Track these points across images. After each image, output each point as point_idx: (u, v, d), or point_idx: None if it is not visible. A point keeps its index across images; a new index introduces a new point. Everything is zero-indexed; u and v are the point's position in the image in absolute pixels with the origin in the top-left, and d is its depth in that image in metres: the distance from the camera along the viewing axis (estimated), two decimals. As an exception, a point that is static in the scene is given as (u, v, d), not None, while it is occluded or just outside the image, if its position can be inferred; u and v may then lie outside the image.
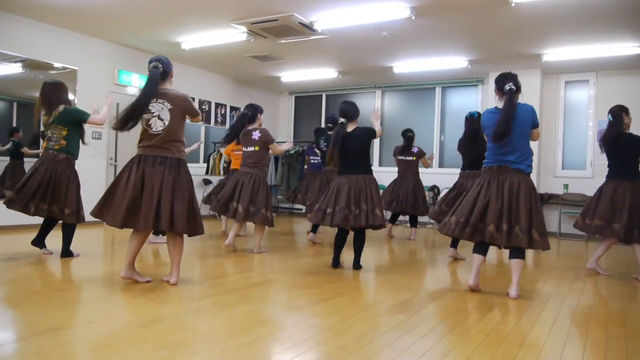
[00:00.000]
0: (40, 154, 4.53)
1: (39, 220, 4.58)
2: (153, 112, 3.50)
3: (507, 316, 3.17)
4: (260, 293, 3.56)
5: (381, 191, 6.98)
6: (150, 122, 3.51)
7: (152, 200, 3.41)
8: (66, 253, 4.50)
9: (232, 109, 9.87)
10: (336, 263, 4.55)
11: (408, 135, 6.79)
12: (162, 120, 3.50)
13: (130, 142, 7.52)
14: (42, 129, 4.67)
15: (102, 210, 3.55)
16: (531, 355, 2.44)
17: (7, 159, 6.78)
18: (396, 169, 7.02)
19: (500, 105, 3.60)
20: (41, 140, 4.70)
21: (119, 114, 3.50)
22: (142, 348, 2.37)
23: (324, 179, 6.34)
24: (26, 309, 2.95)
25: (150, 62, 3.55)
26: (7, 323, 2.66)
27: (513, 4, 5.05)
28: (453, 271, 4.76)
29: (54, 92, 4.42)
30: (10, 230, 6.14)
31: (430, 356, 2.37)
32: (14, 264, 4.21)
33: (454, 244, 5.24)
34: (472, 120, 5.08)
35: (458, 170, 5.38)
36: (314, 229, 6.22)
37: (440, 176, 8.81)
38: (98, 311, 2.96)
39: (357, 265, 4.49)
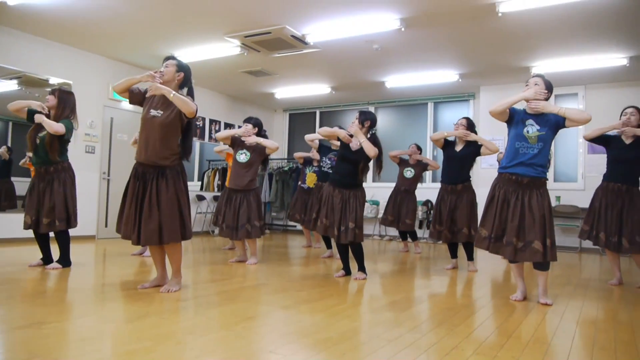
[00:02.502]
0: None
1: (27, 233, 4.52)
2: None
3: (496, 314, 3.16)
4: (248, 295, 3.53)
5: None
6: None
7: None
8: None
9: (227, 125, 9.92)
10: (347, 270, 4.50)
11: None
12: None
13: (123, 156, 7.57)
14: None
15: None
16: (518, 345, 2.42)
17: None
18: (390, 184, 7.02)
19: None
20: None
21: None
22: (124, 340, 2.35)
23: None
24: (11, 306, 2.93)
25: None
26: (-10, 319, 2.63)
27: (500, 14, 5.14)
28: (446, 278, 4.73)
29: None
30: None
31: (417, 347, 2.35)
32: (0, 272, 4.18)
33: (455, 255, 5.27)
34: None
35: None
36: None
37: (434, 191, 8.79)
38: (83, 309, 2.94)
39: (361, 269, 4.40)
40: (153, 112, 3.41)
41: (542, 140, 3.41)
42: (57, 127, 4.20)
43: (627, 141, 4.34)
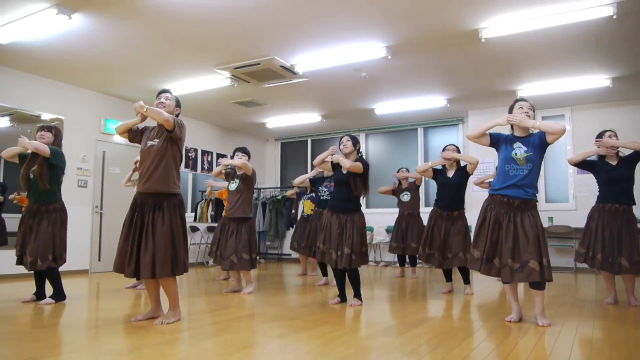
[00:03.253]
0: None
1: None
2: None
3: (492, 336, 3.15)
4: (243, 324, 3.51)
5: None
6: None
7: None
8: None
9: (219, 156, 9.96)
10: (342, 297, 4.48)
11: None
12: None
13: (116, 190, 7.57)
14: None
15: None
16: (514, 366, 2.42)
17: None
18: (383, 209, 7.05)
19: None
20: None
21: None
22: (118, 373, 2.33)
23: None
24: (4, 343, 2.89)
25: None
26: (-19, 357, 2.59)
27: (483, 40, 5.27)
28: (442, 302, 4.72)
29: None
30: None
31: (413, 371, 2.34)
32: (-7, 308, 4.13)
33: (450, 279, 5.29)
34: None
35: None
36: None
37: (424, 215, 8.81)
38: (76, 343, 2.91)
39: (357, 296, 4.39)
40: (150, 143, 3.50)
41: (530, 161, 3.48)
42: (38, 145, 4.21)
43: (613, 162, 4.41)
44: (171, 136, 3.45)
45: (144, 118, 3.46)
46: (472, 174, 5.09)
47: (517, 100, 3.67)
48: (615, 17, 4.70)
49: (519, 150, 3.50)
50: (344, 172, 4.35)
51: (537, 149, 3.48)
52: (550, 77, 6.81)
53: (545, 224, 8.05)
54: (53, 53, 5.96)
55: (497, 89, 7.35)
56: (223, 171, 5.31)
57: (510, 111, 3.64)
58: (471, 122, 8.77)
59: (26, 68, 6.54)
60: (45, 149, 4.21)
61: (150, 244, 3.33)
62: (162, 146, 3.45)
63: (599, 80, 6.77)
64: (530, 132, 3.55)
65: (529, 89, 7.19)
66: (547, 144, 3.48)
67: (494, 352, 2.70)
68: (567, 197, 8.21)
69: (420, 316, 3.92)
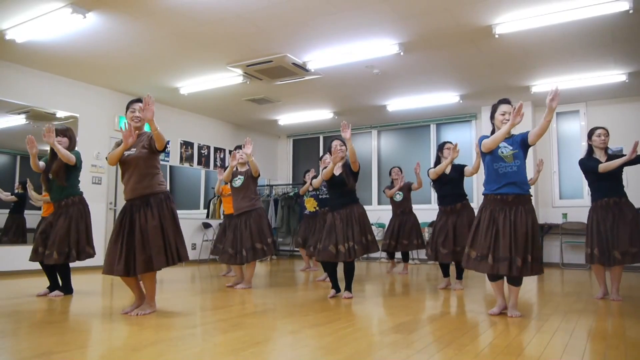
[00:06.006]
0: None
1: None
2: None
3: (505, 332, 3.14)
4: (255, 320, 3.53)
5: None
6: None
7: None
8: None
9: (231, 152, 10.00)
10: (337, 289, 4.62)
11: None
12: None
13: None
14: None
15: None
16: (527, 363, 2.41)
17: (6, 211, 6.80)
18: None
19: None
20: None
21: None
22: (133, 367, 2.36)
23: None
24: (18, 338, 2.94)
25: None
26: (-1, 351, 2.64)
27: (497, 36, 5.23)
28: (453, 298, 4.71)
29: None
30: (10, 276, 6.13)
31: (425, 367, 2.34)
32: (9, 303, 4.20)
33: (448, 274, 5.31)
34: None
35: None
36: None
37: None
38: (90, 338, 2.95)
39: (348, 289, 4.56)
40: (127, 153, 3.63)
41: (517, 158, 3.59)
42: (69, 156, 4.31)
43: (603, 159, 4.48)
44: (154, 150, 3.60)
45: (133, 142, 3.56)
46: (467, 176, 5.15)
47: (500, 102, 3.71)
48: (631, 11, 4.65)
49: (505, 149, 3.60)
50: (337, 174, 4.55)
51: (521, 147, 3.59)
52: (565, 73, 6.74)
53: (560, 220, 8.00)
54: (68, 51, 6.03)
55: (511, 84, 7.29)
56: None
57: (493, 113, 3.72)
58: (484, 118, 8.69)
59: (41, 66, 6.63)
60: (71, 159, 4.30)
61: (146, 239, 3.49)
62: (142, 154, 3.59)
63: (615, 75, 6.70)
64: (512, 132, 3.61)
65: (543, 84, 7.12)
66: (529, 145, 3.57)
67: (507, 349, 2.69)
68: (581, 194, 8.13)
69: (432, 313, 3.92)
